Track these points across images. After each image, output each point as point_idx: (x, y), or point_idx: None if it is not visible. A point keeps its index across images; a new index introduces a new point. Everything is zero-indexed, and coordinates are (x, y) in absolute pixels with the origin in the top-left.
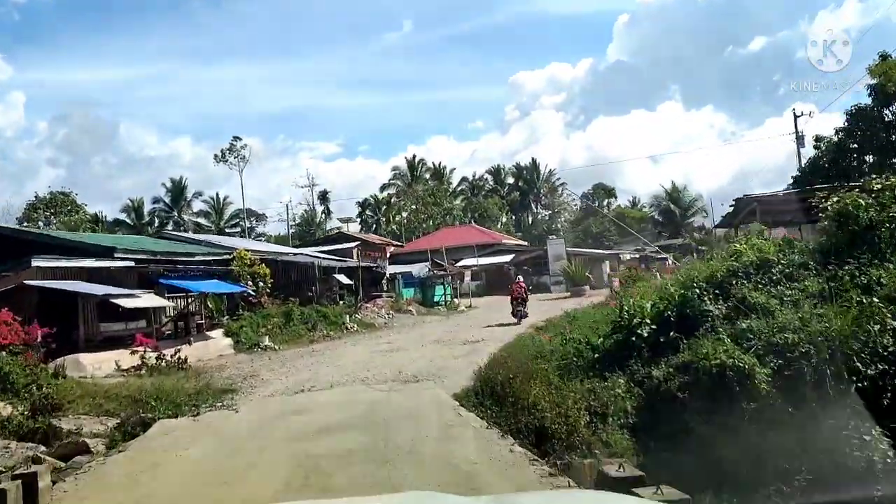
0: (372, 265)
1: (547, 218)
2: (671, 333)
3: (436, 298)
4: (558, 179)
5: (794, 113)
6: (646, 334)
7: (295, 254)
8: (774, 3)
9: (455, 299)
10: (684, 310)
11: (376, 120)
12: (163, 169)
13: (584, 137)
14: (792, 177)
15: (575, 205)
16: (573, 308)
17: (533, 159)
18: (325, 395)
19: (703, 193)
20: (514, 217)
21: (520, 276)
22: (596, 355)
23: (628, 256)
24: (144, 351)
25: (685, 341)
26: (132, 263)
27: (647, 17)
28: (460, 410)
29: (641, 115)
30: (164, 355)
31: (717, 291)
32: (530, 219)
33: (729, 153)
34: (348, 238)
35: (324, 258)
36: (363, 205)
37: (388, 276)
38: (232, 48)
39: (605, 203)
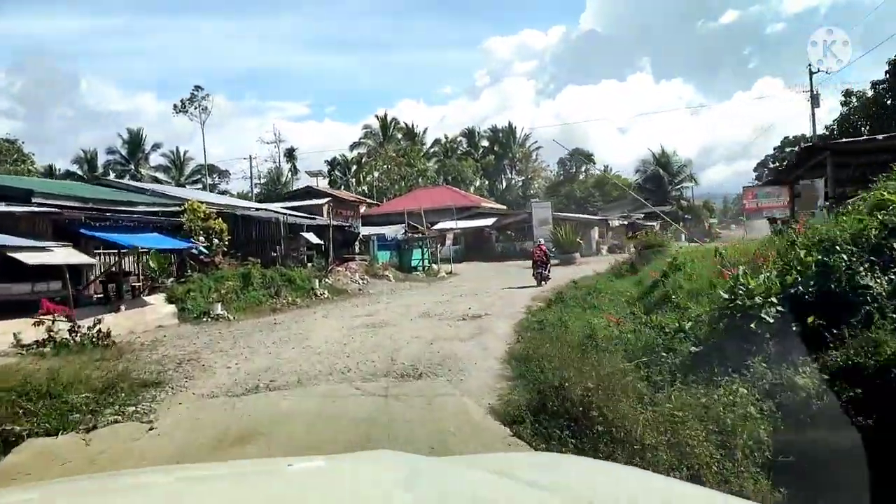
0: (344, 224)
1: (520, 184)
2: (810, 320)
3: (413, 263)
4: (534, 143)
5: (810, 70)
6: (772, 320)
7: (257, 208)
8: None
9: (434, 265)
10: (826, 284)
11: (345, 81)
12: (124, 125)
13: (554, 105)
14: (808, 138)
15: (550, 170)
16: (576, 277)
17: (509, 122)
18: (291, 399)
19: (691, 159)
20: (487, 182)
21: (541, 239)
22: (693, 349)
23: (617, 223)
24: (52, 321)
25: (838, 332)
26: (54, 210)
27: None
28: (520, 447)
29: (612, 85)
30: (79, 327)
31: (871, 258)
32: (504, 184)
33: (697, 125)
34: (318, 193)
35: (290, 214)
36: (332, 164)
37: (361, 237)
38: (199, 2)
39: (583, 168)
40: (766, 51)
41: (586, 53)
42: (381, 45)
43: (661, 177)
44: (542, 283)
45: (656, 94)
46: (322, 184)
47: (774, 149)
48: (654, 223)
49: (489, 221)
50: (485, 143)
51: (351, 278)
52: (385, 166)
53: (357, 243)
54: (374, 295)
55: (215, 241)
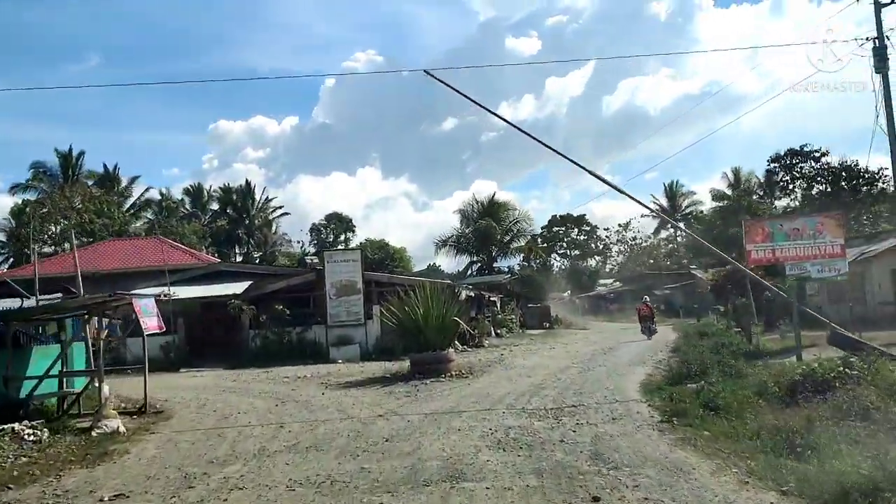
0: None
1: (258, 258)
2: None
3: (38, 389)
4: (278, 209)
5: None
6: None
7: None
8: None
9: (98, 384)
10: None
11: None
12: None
13: (284, 195)
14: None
15: (298, 243)
16: None
17: (247, 180)
18: None
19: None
20: (217, 254)
21: (646, 297)
22: None
23: (464, 294)
24: None
25: None
26: None
27: (352, 86)
28: None
29: (342, 178)
30: None
31: None
32: (241, 257)
33: (423, 219)
34: None
35: None
36: None
37: None
38: None
39: (341, 238)
40: (480, 156)
41: (319, 145)
42: (96, 120)
43: (491, 233)
44: (650, 336)
45: (384, 189)
46: None
47: (542, 228)
48: (496, 298)
49: (239, 288)
50: (214, 205)
51: None
52: (74, 219)
53: None
54: None
55: None
